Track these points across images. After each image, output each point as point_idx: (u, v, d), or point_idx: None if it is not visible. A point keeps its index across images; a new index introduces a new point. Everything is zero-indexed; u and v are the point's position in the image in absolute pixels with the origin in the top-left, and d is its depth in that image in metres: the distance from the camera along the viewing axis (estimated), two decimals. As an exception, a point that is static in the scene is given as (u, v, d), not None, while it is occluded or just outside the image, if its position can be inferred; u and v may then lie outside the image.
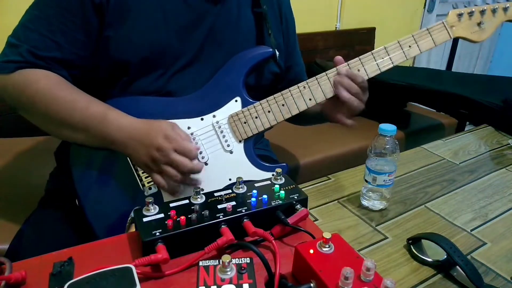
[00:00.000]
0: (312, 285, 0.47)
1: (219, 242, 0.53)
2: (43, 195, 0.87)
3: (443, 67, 2.88)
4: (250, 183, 0.65)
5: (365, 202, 0.81)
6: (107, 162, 0.74)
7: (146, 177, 0.74)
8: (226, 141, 0.77)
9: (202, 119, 0.77)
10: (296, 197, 0.62)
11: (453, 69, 2.75)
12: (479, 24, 0.78)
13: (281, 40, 0.89)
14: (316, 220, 0.77)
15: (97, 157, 0.74)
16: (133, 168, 0.74)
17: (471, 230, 0.75)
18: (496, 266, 0.66)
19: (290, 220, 0.59)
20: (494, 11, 0.78)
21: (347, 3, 2.26)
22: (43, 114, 0.71)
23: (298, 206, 0.61)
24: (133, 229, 0.60)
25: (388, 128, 0.75)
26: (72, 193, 0.75)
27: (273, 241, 0.56)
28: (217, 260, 0.51)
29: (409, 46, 0.77)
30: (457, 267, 0.61)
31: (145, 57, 0.73)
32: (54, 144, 0.88)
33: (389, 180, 0.77)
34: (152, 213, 0.57)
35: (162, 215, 0.57)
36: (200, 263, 0.51)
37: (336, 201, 0.83)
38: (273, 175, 0.67)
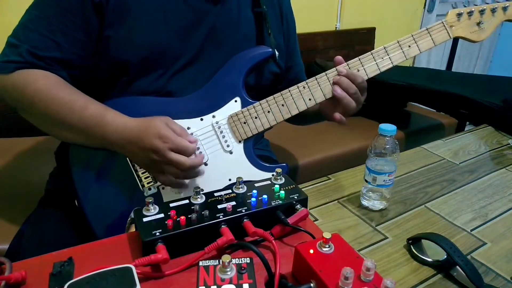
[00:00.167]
0: (312, 285, 0.47)
1: (219, 242, 0.53)
2: (43, 195, 0.87)
3: (443, 67, 2.88)
4: (250, 183, 0.65)
5: (365, 202, 0.81)
6: (106, 163, 0.74)
7: (145, 178, 0.74)
8: (225, 141, 0.77)
9: (201, 119, 0.77)
10: (296, 197, 0.62)
11: (453, 69, 2.75)
12: (478, 23, 0.78)
13: (281, 40, 0.89)
14: (316, 220, 0.77)
15: (97, 157, 0.74)
16: (132, 169, 0.74)
17: (471, 230, 0.75)
18: (496, 266, 0.66)
19: (290, 220, 0.59)
20: (493, 10, 0.78)
21: (347, 3, 2.26)
22: (42, 115, 0.71)
23: (298, 206, 0.61)
24: (133, 229, 0.60)
25: (388, 128, 0.75)
26: (72, 193, 0.75)
27: (273, 241, 0.56)
28: (217, 260, 0.51)
29: (409, 46, 0.77)
30: (457, 267, 0.61)
31: (145, 57, 0.73)
32: (54, 144, 0.88)
33: (389, 180, 0.77)
34: (152, 213, 0.57)
35: (162, 215, 0.57)
36: (200, 263, 0.51)
37: (336, 201, 0.83)
38: (273, 175, 0.67)
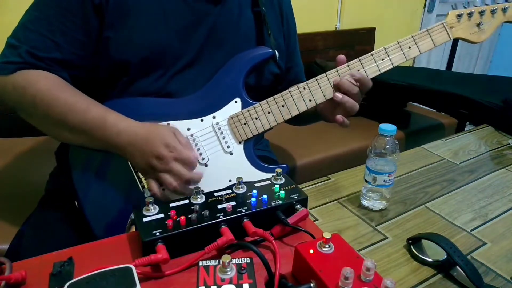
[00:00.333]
0: (312, 285, 0.47)
1: (219, 242, 0.53)
2: (43, 195, 0.87)
3: (443, 67, 2.88)
4: (250, 183, 0.65)
5: (365, 202, 0.81)
6: (106, 163, 0.74)
7: (146, 179, 0.74)
8: (226, 142, 0.77)
9: (202, 120, 0.77)
10: (296, 197, 0.62)
11: (453, 69, 2.75)
12: (478, 25, 0.78)
13: (281, 41, 0.89)
14: (316, 220, 0.77)
15: (97, 158, 0.74)
16: (133, 170, 0.73)
17: (471, 230, 0.75)
18: (496, 266, 0.66)
19: (290, 220, 0.59)
20: (493, 12, 0.78)
21: (347, 3, 2.26)
22: (43, 116, 0.70)
23: (298, 206, 0.61)
24: (133, 230, 0.60)
25: (388, 128, 0.75)
26: (72, 194, 0.75)
27: (273, 241, 0.56)
28: (217, 260, 0.51)
29: (409, 47, 0.77)
30: (457, 267, 0.61)
31: (145, 57, 0.73)
32: (54, 144, 0.88)
33: (389, 180, 0.77)
34: (152, 213, 0.57)
35: (162, 215, 0.57)
36: (200, 263, 0.51)
37: (336, 201, 0.83)
38: (273, 175, 0.67)
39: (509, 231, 0.75)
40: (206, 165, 0.76)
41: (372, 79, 0.77)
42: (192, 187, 0.71)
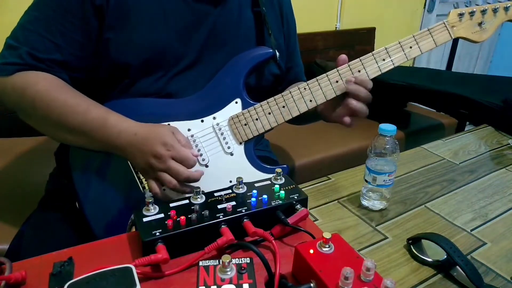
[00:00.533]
0: (312, 285, 0.47)
1: (219, 242, 0.53)
2: (43, 196, 0.87)
3: (443, 67, 2.88)
4: (250, 183, 0.65)
5: (365, 202, 0.81)
6: (107, 164, 0.74)
7: (146, 180, 0.73)
8: (226, 143, 0.77)
9: (202, 121, 0.77)
10: (296, 197, 0.62)
11: (453, 69, 2.75)
12: (480, 24, 0.78)
13: (282, 41, 0.89)
14: (316, 220, 0.77)
15: (97, 159, 0.74)
16: (133, 171, 0.73)
17: (471, 230, 0.75)
18: (496, 266, 0.66)
19: (290, 220, 0.59)
20: (495, 10, 0.78)
21: (347, 3, 2.26)
22: (42, 117, 0.70)
23: (298, 206, 0.61)
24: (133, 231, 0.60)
25: (388, 128, 0.75)
26: (72, 194, 0.75)
27: (273, 241, 0.56)
28: (217, 260, 0.51)
29: (410, 47, 0.76)
30: (457, 267, 0.61)
31: (146, 58, 0.73)
32: (54, 144, 0.88)
33: (389, 180, 0.77)
34: (152, 213, 0.57)
35: (162, 215, 0.57)
36: (200, 263, 0.51)
37: (336, 201, 0.83)
38: (273, 175, 0.67)
39: (509, 231, 0.75)
40: (206, 165, 0.76)
41: (373, 79, 0.77)
42: (192, 185, 0.70)
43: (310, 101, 0.77)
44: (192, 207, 0.58)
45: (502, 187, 0.91)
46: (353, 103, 0.74)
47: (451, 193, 0.88)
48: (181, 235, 0.54)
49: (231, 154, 0.77)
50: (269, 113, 0.77)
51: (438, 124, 1.97)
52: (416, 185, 0.90)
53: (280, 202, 0.60)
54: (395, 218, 0.78)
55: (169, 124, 0.74)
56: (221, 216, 0.57)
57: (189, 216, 0.56)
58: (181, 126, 0.75)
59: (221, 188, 0.64)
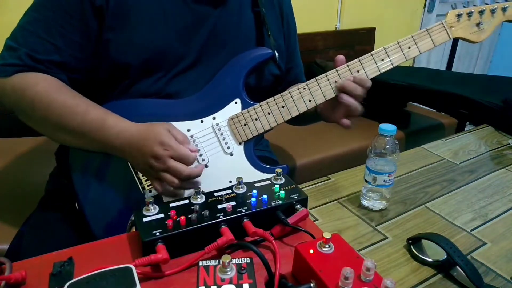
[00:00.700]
0: (312, 285, 0.47)
1: (219, 242, 0.53)
2: (43, 196, 0.87)
3: (443, 67, 2.88)
4: (250, 183, 0.65)
5: (365, 202, 0.81)
6: (106, 164, 0.74)
7: (146, 180, 0.73)
8: (226, 143, 0.77)
9: (202, 121, 0.77)
10: (296, 197, 0.62)
11: (453, 69, 2.75)
12: (478, 24, 0.78)
13: (282, 42, 0.89)
14: (316, 220, 0.77)
15: (97, 159, 0.74)
16: (133, 171, 0.73)
17: (471, 230, 0.75)
18: (496, 266, 0.66)
19: (290, 220, 0.59)
20: (493, 11, 0.79)
21: (347, 3, 2.26)
22: (42, 118, 0.70)
23: (298, 206, 0.61)
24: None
25: (388, 128, 0.75)
26: (72, 194, 0.75)
27: (273, 241, 0.56)
28: (217, 260, 0.51)
29: (409, 47, 0.77)
30: (457, 267, 0.61)
31: (146, 59, 0.73)
32: (54, 144, 0.88)
33: (389, 180, 0.77)
34: (152, 213, 0.57)
35: (162, 215, 0.57)
36: (200, 263, 0.51)
37: (336, 201, 0.83)
38: (273, 175, 0.67)
39: (509, 231, 0.75)
40: (206, 166, 0.76)
41: (372, 79, 0.77)
42: (195, 180, 0.71)
43: (310, 101, 0.77)
44: (192, 207, 0.58)
45: (502, 187, 0.91)
46: (348, 99, 0.74)
47: (451, 193, 0.88)
48: (181, 235, 0.54)
49: (231, 154, 0.77)
50: (269, 113, 0.77)
51: (438, 124, 1.97)
52: (416, 185, 0.90)
53: (280, 202, 0.61)
54: (395, 218, 0.78)
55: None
56: (221, 216, 0.57)
57: (189, 216, 0.56)
58: (181, 126, 0.75)
59: (221, 188, 0.64)
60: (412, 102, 2.08)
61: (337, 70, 0.76)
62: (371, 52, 0.76)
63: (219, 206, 0.59)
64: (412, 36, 0.76)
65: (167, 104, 0.76)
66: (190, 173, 0.68)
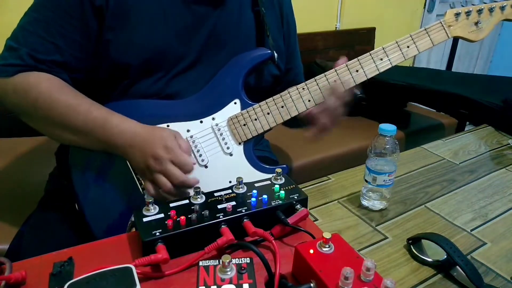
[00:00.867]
0: (312, 285, 0.47)
1: (219, 242, 0.53)
2: (43, 196, 0.87)
3: (443, 67, 2.88)
4: (250, 183, 0.65)
5: (365, 202, 0.81)
6: (106, 165, 0.74)
7: (143, 181, 0.73)
8: (225, 143, 0.77)
9: (201, 121, 0.77)
10: (296, 197, 0.62)
11: (453, 69, 2.75)
12: (476, 23, 0.78)
13: (281, 42, 0.89)
14: (316, 220, 0.77)
15: (97, 159, 0.74)
16: (133, 172, 0.73)
17: (471, 230, 0.75)
18: (496, 266, 0.66)
19: (290, 220, 0.59)
20: (491, 10, 0.79)
21: (347, 3, 2.26)
22: (44, 118, 0.70)
23: (298, 206, 0.61)
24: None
25: (388, 128, 0.75)
26: (72, 194, 0.75)
27: (273, 241, 0.56)
28: (217, 260, 0.51)
29: (408, 47, 0.77)
30: (457, 267, 0.61)
31: (146, 59, 0.73)
32: (54, 144, 0.88)
33: (389, 180, 0.77)
34: (152, 213, 0.57)
35: (162, 215, 0.57)
36: (200, 263, 0.51)
37: (336, 201, 0.83)
38: (273, 175, 0.67)
39: (509, 231, 0.75)
40: (206, 166, 0.76)
41: (372, 79, 0.77)
42: (186, 191, 0.70)
43: (309, 101, 0.77)
44: (192, 207, 0.58)
45: (502, 187, 0.91)
46: (332, 100, 0.75)
47: (451, 193, 0.88)
48: (181, 235, 0.54)
49: (231, 154, 0.77)
50: (268, 113, 0.77)
51: (438, 124, 1.97)
52: (416, 185, 0.90)
53: (280, 202, 0.61)
54: (395, 218, 0.78)
55: (168, 125, 0.74)
56: (221, 216, 0.57)
57: (189, 216, 0.56)
58: (180, 127, 0.75)
59: (221, 188, 0.64)
60: (412, 102, 2.08)
61: (336, 70, 0.76)
62: (370, 52, 0.76)
63: (219, 206, 0.59)
64: (410, 36, 0.76)
65: (166, 104, 0.76)
66: (184, 180, 0.68)
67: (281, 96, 0.77)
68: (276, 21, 0.88)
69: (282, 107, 0.77)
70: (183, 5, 0.75)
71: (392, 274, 0.63)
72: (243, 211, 0.58)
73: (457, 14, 0.77)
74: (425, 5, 2.67)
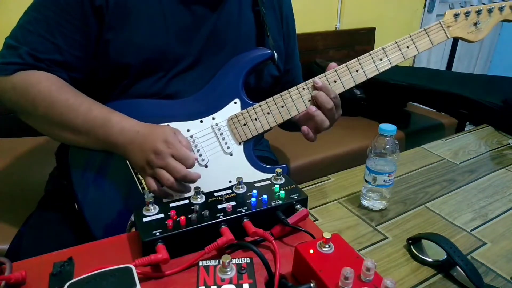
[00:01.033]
0: (312, 285, 0.47)
1: (219, 242, 0.53)
2: (43, 196, 0.87)
3: (443, 67, 2.88)
4: (250, 183, 0.65)
5: (365, 202, 0.81)
6: (106, 165, 0.74)
7: (143, 177, 0.73)
8: (226, 143, 0.77)
9: (201, 121, 0.77)
10: (296, 197, 0.62)
11: (453, 69, 2.75)
12: (475, 24, 0.79)
13: (281, 43, 0.89)
14: (316, 220, 0.77)
15: (96, 159, 0.73)
16: (132, 172, 0.73)
17: (471, 230, 0.75)
18: (496, 266, 0.66)
19: (290, 220, 0.59)
20: (490, 11, 0.79)
21: (347, 3, 2.26)
22: (44, 117, 0.70)
23: (298, 206, 0.61)
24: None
25: (388, 128, 0.75)
26: (71, 195, 0.75)
27: (273, 241, 0.56)
28: (217, 260, 0.51)
29: (407, 47, 0.77)
30: (457, 267, 0.61)
31: (146, 59, 0.73)
32: (54, 144, 0.88)
33: (389, 180, 0.77)
34: (152, 213, 0.57)
35: (162, 215, 0.57)
36: (200, 263, 0.51)
37: (336, 201, 0.83)
38: (273, 175, 0.67)
39: (509, 231, 0.75)
40: (206, 166, 0.76)
41: (372, 79, 0.77)
42: (188, 185, 0.70)
43: (309, 101, 0.77)
44: (192, 207, 0.58)
45: (502, 187, 0.91)
46: (312, 108, 0.75)
47: (451, 193, 0.88)
48: (181, 235, 0.54)
49: (231, 154, 0.77)
50: (268, 113, 0.77)
51: (438, 124, 1.97)
52: (416, 185, 0.90)
53: (280, 202, 0.61)
54: (395, 218, 0.78)
55: (168, 125, 0.74)
56: (221, 216, 0.57)
57: (189, 216, 0.56)
58: (181, 126, 0.75)
59: (221, 188, 0.64)
60: (412, 102, 2.08)
61: (336, 70, 0.76)
62: (370, 52, 0.76)
63: (219, 206, 0.59)
64: (410, 36, 0.77)
65: (166, 104, 0.76)
66: (186, 174, 0.67)
67: (281, 96, 0.77)
68: (276, 21, 0.88)
69: (282, 107, 0.77)
70: (183, 5, 0.75)
71: (392, 274, 0.63)
72: (243, 211, 0.58)
73: (456, 15, 0.77)
74: (425, 5, 2.67)
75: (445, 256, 0.63)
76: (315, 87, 0.76)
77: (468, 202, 0.85)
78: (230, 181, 0.76)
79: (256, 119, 0.77)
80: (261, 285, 0.50)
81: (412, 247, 0.67)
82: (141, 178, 0.73)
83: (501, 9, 0.79)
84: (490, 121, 1.28)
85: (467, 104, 1.52)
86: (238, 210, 0.58)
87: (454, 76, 2.04)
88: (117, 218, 0.73)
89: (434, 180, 0.93)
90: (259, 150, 0.95)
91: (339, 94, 0.77)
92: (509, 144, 1.13)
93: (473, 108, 1.47)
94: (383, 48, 0.76)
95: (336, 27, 2.28)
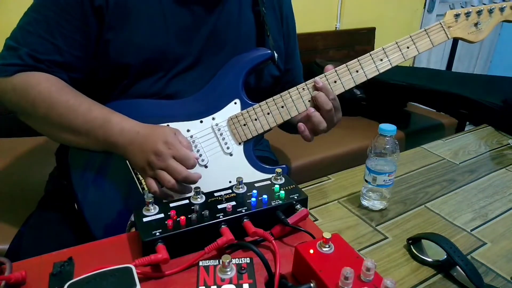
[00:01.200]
0: (312, 285, 0.47)
1: (219, 242, 0.53)
2: (43, 196, 0.87)
3: (443, 67, 2.88)
4: (250, 183, 0.65)
5: (365, 202, 0.81)
6: (106, 165, 0.74)
7: (144, 178, 0.73)
8: (225, 143, 0.77)
9: (201, 121, 0.77)
10: (296, 197, 0.62)
11: (453, 69, 2.75)
12: (476, 24, 0.79)
13: (281, 43, 0.89)
14: (316, 220, 0.77)
15: (96, 160, 0.73)
16: (132, 172, 0.73)
17: (471, 230, 0.75)
18: (496, 266, 0.66)
19: (290, 220, 0.59)
20: (490, 11, 0.79)
21: (347, 3, 2.26)
22: (44, 118, 0.70)
23: (298, 206, 0.61)
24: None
25: (388, 128, 0.75)
26: (71, 195, 0.75)
27: (273, 241, 0.56)
28: (217, 260, 0.51)
29: (407, 47, 0.77)
30: (457, 267, 0.61)
31: (146, 59, 0.73)
32: (54, 145, 0.88)
33: (389, 180, 0.77)
34: (152, 213, 0.57)
35: (162, 215, 0.57)
36: (200, 263, 0.51)
37: (336, 201, 0.83)
38: (273, 175, 0.67)
39: (509, 231, 0.75)
40: (206, 166, 0.76)
41: (372, 79, 0.77)
42: (189, 186, 0.70)
43: (309, 101, 0.77)
44: (192, 207, 0.58)
45: (502, 187, 0.91)
46: (310, 109, 0.75)
47: (451, 193, 0.88)
48: (181, 235, 0.54)
49: (231, 154, 0.77)
50: (268, 113, 0.77)
51: (438, 124, 1.97)
52: (416, 185, 0.90)
53: (280, 202, 0.61)
54: (395, 218, 0.78)
55: (168, 125, 0.74)
56: (221, 216, 0.57)
57: (189, 216, 0.56)
58: (181, 127, 0.75)
59: (221, 188, 0.64)
60: (412, 102, 2.08)
61: (336, 70, 0.76)
62: (370, 52, 0.76)
63: (219, 206, 0.59)
64: (410, 36, 0.77)
65: (166, 104, 0.76)
66: (187, 175, 0.67)
67: (281, 96, 0.77)
68: (276, 21, 0.88)
69: (282, 107, 0.77)
70: (183, 5, 0.75)
71: (392, 274, 0.63)
72: (243, 211, 0.58)
73: (457, 15, 0.77)
74: (425, 5, 2.67)
75: (445, 256, 0.63)
76: (315, 87, 0.76)
77: (468, 202, 0.85)
78: (230, 181, 0.76)
79: (256, 120, 0.77)
80: (261, 285, 0.50)
81: (412, 247, 0.67)
82: (141, 178, 0.73)
83: (502, 9, 0.79)
84: (490, 121, 1.28)
85: (467, 104, 1.52)
86: (238, 210, 0.58)
87: (454, 76, 2.04)
88: (117, 218, 0.73)
89: (434, 180, 0.93)
90: (259, 150, 0.95)
91: (339, 95, 0.77)
92: (509, 144, 1.13)
93: (473, 108, 1.47)
94: (383, 49, 0.76)
95: (336, 27, 2.28)
